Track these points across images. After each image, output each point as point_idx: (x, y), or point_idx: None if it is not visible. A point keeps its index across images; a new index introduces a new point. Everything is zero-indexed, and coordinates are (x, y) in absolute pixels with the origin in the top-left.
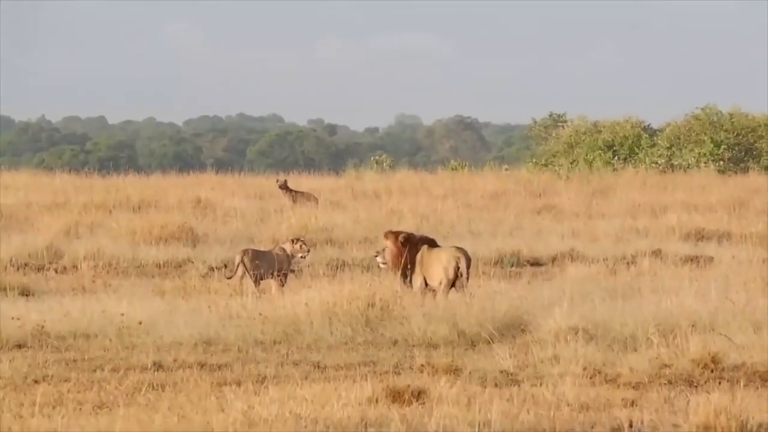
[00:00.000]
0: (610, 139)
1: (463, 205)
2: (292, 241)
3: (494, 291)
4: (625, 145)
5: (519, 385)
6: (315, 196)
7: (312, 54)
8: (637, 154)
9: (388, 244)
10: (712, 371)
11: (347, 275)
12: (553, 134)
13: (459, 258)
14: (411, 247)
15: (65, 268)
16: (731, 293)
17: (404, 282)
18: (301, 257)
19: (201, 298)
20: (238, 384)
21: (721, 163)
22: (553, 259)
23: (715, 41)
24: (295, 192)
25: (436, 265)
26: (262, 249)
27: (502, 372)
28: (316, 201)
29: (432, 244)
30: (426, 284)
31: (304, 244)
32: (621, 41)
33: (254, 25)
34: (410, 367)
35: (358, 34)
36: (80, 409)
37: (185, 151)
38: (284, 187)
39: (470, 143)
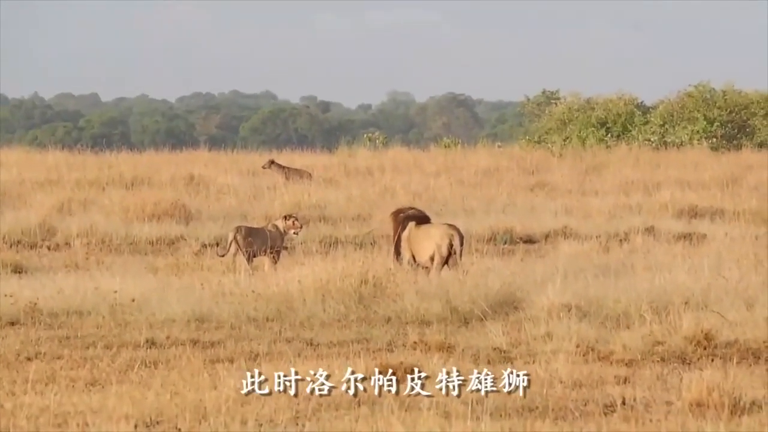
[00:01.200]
0: (603, 116)
1: (456, 182)
2: (285, 217)
3: (487, 268)
4: (618, 122)
5: (512, 362)
6: (309, 172)
7: (305, 31)
8: (630, 131)
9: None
10: (704, 348)
11: (340, 252)
12: (546, 111)
13: (452, 235)
14: (400, 224)
15: (58, 245)
16: (724, 270)
17: (397, 259)
18: (294, 234)
19: (194, 276)
20: (231, 361)
21: (714, 140)
22: (546, 236)
23: (709, 18)
24: (288, 168)
25: (426, 242)
26: (255, 226)
27: (495, 349)
28: (309, 177)
29: (423, 219)
30: (415, 261)
31: (297, 220)
32: (614, 18)
33: (247, 1)
34: (403, 344)
35: (352, 11)
36: (73, 386)
37: (178, 127)
38: (274, 165)
39: (463, 120)
